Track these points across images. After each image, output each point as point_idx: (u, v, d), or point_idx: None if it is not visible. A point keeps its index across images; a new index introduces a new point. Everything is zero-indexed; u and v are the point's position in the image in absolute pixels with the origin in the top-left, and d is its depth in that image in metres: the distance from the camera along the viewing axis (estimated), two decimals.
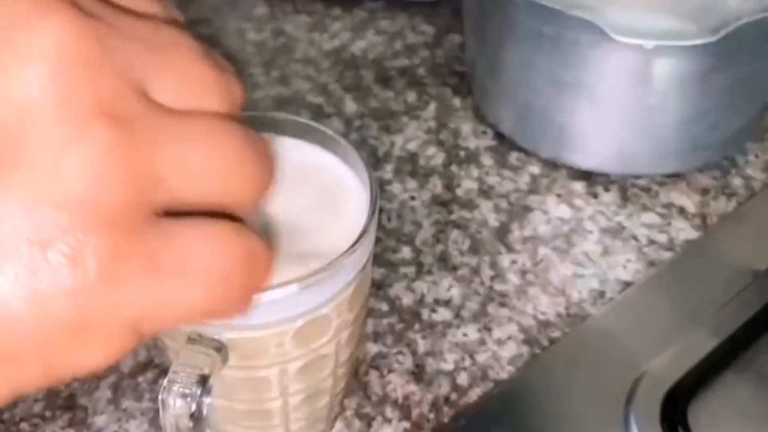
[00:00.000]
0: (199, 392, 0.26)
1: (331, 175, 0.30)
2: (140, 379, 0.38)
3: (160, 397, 0.26)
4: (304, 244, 0.28)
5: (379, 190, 0.28)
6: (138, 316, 0.17)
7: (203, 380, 0.26)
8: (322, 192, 0.30)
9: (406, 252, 0.44)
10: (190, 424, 0.26)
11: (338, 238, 0.28)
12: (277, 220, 0.29)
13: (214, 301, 0.18)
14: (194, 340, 0.27)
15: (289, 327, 0.27)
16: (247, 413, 0.32)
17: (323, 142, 0.31)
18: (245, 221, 0.20)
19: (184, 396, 0.25)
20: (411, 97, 0.55)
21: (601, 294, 0.42)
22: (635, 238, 0.45)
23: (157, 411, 0.37)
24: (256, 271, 0.19)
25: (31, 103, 0.15)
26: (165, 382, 0.26)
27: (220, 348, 0.27)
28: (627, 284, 0.42)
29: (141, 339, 0.18)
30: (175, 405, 0.25)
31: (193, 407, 0.26)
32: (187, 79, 0.18)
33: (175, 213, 0.18)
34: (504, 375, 0.38)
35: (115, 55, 0.16)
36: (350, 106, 0.54)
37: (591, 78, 0.43)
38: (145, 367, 0.38)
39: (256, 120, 0.31)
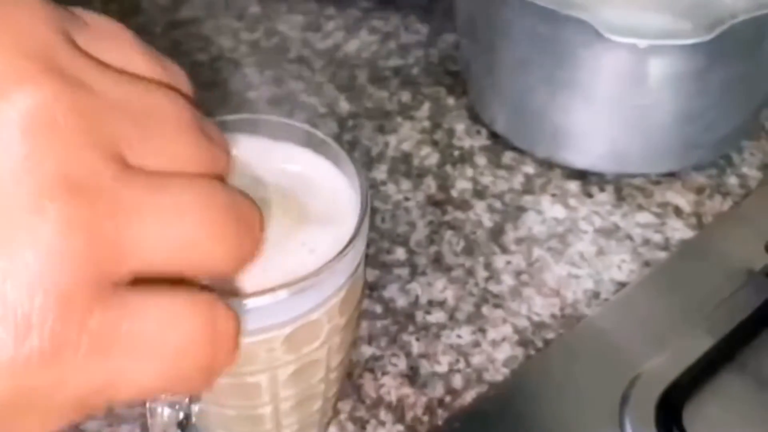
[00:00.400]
0: (187, 400, 0.25)
1: (322, 179, 0.30)
2: None
3: (148, 405, 0.25)
4: (294, 247, 0.28)
5: (370, 194, 0.28)
6: (84, 394, 0.16)
7: None
8: (313, 195, 0.30)
9: (400, 253, 0.44)
10: (179, 431, 0.26)
11: (329, 242, 0.28)
12: (267, 222, 0.29)
13: (170, 378, 0.17)
14: None
15: (280, 333, 0.27)
16: (238, 419, 0.31)
17: (314, 144, 0.30)
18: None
19: (172, 405, 0.25)
20: (405, 96, 0.55)
21: (596, 294, 0.42)
22: (630, 237, 0.45)
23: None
24: (219, 348, 0.18)
25: None
26: None
27: None
28: (622, 284, 0.42)
29: (88, 413, 0.17)
30: (163, 414, 0.25)
31: (182, 415, 0.25)
32: (168, 149, 0.17)
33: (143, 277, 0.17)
34: (498, 377, 0.38)
35: (90, 122, 0.16)
36: (344, 106, 0.54)
37: (585, 77, 0.43)
38: None
39: (245, 123, 0.31)
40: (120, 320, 0.16)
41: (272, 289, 0.26)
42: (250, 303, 0.26)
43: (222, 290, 0.26)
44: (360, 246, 0.28)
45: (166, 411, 0.25)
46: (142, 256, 0.16)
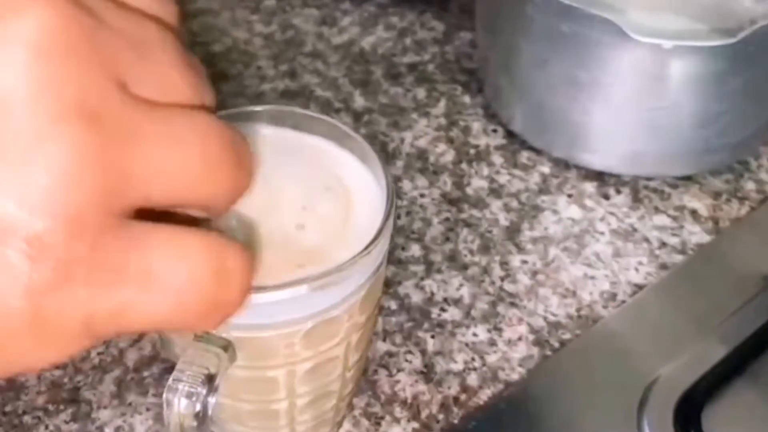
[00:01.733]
0: (204, 392, 0.25)
1: (346, 174, 0.30)
2: (146, 373, 0.38)
3: (164, 395, 0.25)
4: (316, 244, 0.27)
5: (395, 192, 0.28)
6: (95, 317, 0.16)
7: (209, 380, 0.25)
8: (337, 191, 0.29)
9: (415, 250, 0.43)
10: (194, 423, 0.25)
11: (352, 240, 0.27)
12: (289, 218, 0.28)
13: (177, 312, 0.18)
14: (201, 337, 0.26)
15: (299, 328, 0.27)
16: (253, 413, 0.31)
17: (339, 139, 0.30)
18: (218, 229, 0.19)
19: (189, 395, 0.25)
20: (420, 93, 0.54)
21: (613, 296, 0.41)
22: (647, 240, 0.44)
23: (162, 406, 0.36)
24: (227, 285, 0.18)
25: (5, 91, 0.15)
26: (170, 380, 0.25)
27: (228, 347, 0.26)
28: (639, 287, 0.42)
29: (97, 340, 0.17)
30: (180, 404, 0.25)
31: (198, 407, 0.25)
32: (164, 79, 0.18)
33: (147, 215, 0.17)
34: (515, 376, 0.37)
35: (99, 48, 0.16)
36: (359, 101, 0.54)
37: (606, 77, 0.43)
38: (150, 362, 0.38)
39: (272, 114, 0.30)
40: (128, 249, 0.16)
41: (294, 283, 0.26)
42: (271, 296, 0.25)
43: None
44: (384, 244, 0.27)
45: (183, 402, 0.25)
46: (144, 186, 0.16)
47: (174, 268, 0.17)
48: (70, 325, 0.16)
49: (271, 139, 0.30)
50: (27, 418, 0.36)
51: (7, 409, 0.36)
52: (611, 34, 0.40)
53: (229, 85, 0.55)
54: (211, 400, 0.26)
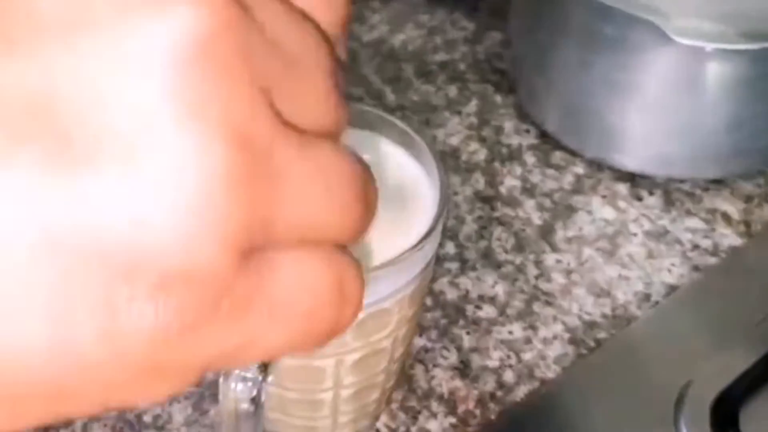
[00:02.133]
0: (260, 378, 0.25)
1: (401, 170, 0.30)
2: None
3: (220, 380, 0.25)
4: (370, 237, 0.28)
5: (448, 185, 0.28)
6: (214, 358, 0.15)
7: (265, 366, 0.26)
8: (391, 186, 0.29)
9: (449, 247, 0.44)
10: (251, 409, 0.25)
11: (405, 234, 0.28)
12: None
13: (298, 339, 0.16)
14: None
15: None
16: (298, 402, 0.31)
17: (393, 135, 0.30)
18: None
19: (245, 380, 0.25)
20: (452, 92, 0.54)
21: (647, 297, 0.41)
22: (679, 242, 0.45)
23: (201, 395, 0.36)
24: (348, 305, 0.17)
25: (149, 104, 0.13)
26: None
27: None
28: (672, 288, 0.42)
29: (214, 372, 0.16)
30: (236, 389, 0.25)
31: (254, 392, 0.25)
32: (308, 103, 0.15)
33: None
34: (550, 374, 0.38)
35: (252, 59, 0.14)
36: (390, 98, 0.54)
37: (645, 80, 0.43)
38: None
39: None
40: (260, 283, 0.15)
41: None
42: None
43: None
44: (436, 239, 0.28)
45: (240, 386, 0.25)
46: (282, 224, 0.15)
47: (300, 294, 0.16)
48: (191, 366, 0.15)
49: None
50: None
51: None
52: (653, 36, 0.40)
53: None
54: (266, 386, 0.26)
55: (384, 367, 0.30)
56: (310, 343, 0.17)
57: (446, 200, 0.27)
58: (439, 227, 0.27)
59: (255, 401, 0.25)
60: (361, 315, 0.27)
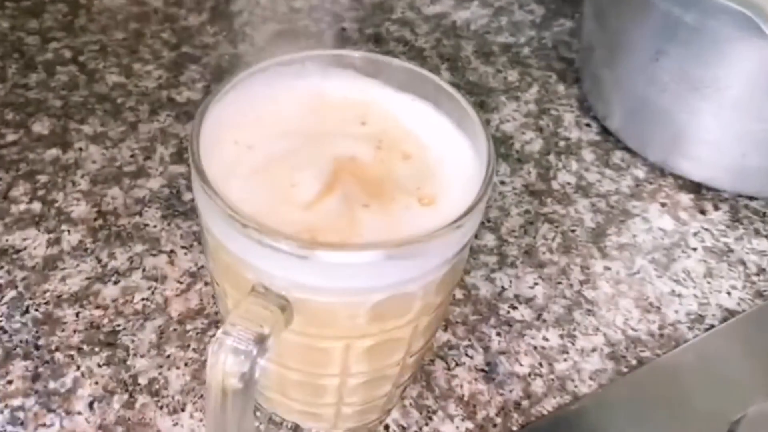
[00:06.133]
0: (255, 351, 0.22)
1: (446, 140, 0.27)
2: (189, 326, 0.35)
3: (209, 348, 0.22)
4: (400, 216, 0.24)
5: (496, 161, 0.24)
6: None
7: (261, 339, 0.22)
8: (433, 157, 0.26)
9: (489, 239, 0.40)
10: (240, 385, 0.22)
11: (440, 210, 0.24)
12: (379, 180, 0.25)
13: None
14: (258, 292, 0.24)
15: (367, 299, 0.24)
16: (299, 385, 0.28)
17: (443, 102, 0.27)
18: None
19: (237, 352, 0.22)
20: (512, 76, 0.51)
21: (700, 318, 0.37)
22: (743, 263, 0.40)
23: (202, 363, 0.34)
24: None
25: None
26: (218, 333, 0.22)
27: (286, 307, 0.24)
28: (730, 312, 0.38)
29: None
30: (225, 361, 0.22)
31: (246, 367, 0.22)
32: None
33: None
34: (584, 389, 0.34)
35: None
36: (444, 76, 0.51)
37: (726, 77, 0.38)
38: (196, 315, 0.35)
39: (363, 61, 0.28)
40: None
41: (370, 247, 0.23)
42: (340, 257, 0.22)
43: (313, 240, 0.23)
44: (476, 220, 0.24)
45: (230, 359, 0.22)
46: None
47: None
48: None
49: (357, 87, 0.27)
50: (59, 356, 0.34)
51: (41, 342, 0.34)
52: (740, 28, 0.36)
53: (309, 42, 0.52)
54: (261, 362, 0.23)
55: (399, 359, 0.27)
56: None
57: (492, 174, 0.24)
58: (481, 206, 0.24)
59: (246, 378, 0.22)
60: (378, 295, 0.24)
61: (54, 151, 0.43)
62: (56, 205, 0.40)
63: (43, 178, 0.41)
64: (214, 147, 0.25)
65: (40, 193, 0.40)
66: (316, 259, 0.22)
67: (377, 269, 0.23)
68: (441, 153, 0.26)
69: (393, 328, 0.25)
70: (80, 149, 0.43)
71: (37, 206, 0.40)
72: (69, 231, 0.39)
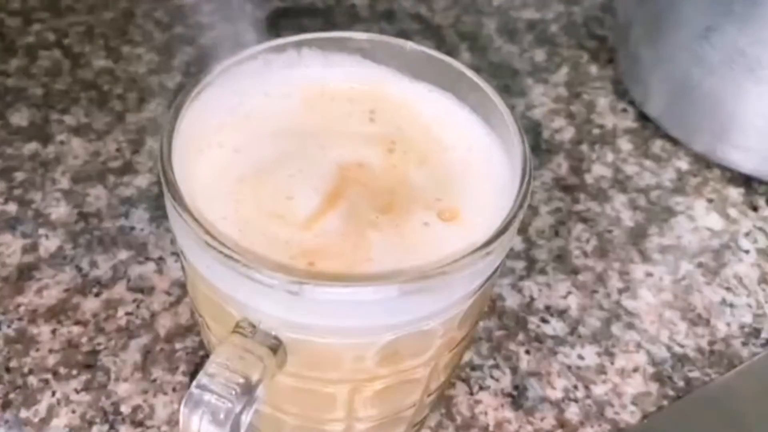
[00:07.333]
0: (238, 408, 0.18)
1: (467, 138, 0.22)
2: (178, 345, 0.31)
3: (182, 407, 0.18)
4: (416, 235, 0.20)
5: (533, 167, 0.20)
6: None
7: (247, 389, 0.19)
8: (450, 159, 0.22)
9: (515, 242, 0.36)
10: None
11: (463, 228, 0.20)
12: (391, 191, 0.21)
13: None
14: (243, 330, 0.19)
15: (375, 339, 0.19)
16: (299, 429, 0.24)
17: (457, 87, 0.23)
18: None
19: (216, 412, 0.18)
20: (539, 56, 0.46)
21: (756, 332, 0.33)
22: None
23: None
24: None
25: None
26: (192, 387, 0.18)
27: (277, 348, 0.20)
28: None
29: None
30: (201, 423, 0.18)
31: (227, 429, 0.18)
32: None
33: None
34: (625, 416, 0.30)
35: None
36: (464, 56, 0.46)
37: None
38: (186, 332, 0.32)
39: (371, 45, 0.23)
40: None
41: (379, 279, 0.19)
42: (343, 293, 0.18)
43: (308, 272, 0.19)
44: (509, 241, 0.20)
45: (206, 420, 0.18)
46: None
47: None
48: None
49: (367, 77, 0.23)
50: (33, 380, 0.30)
51: (12, 365, 0.30)
52: None
53: (314, 21, 0.48)
54: (246, 418, 0.19)
55: (415, 400, 0.23)
56: None
57: (528, 185, 0.20)
58: (516, 224, 0.20)
59: None
60: (389, 335, 0.20)
61: (33, 145, 0.39)
62: (33, 206, 0.36)
63: (20, 176, 0.37)
64: (191, 153, 0.21)
65: (17, 192, 0.36)
66: (312, 295, 0.18)
67: (388, 306, 0.19)
68: (465, 156, 0.22)
69: (408, 369, 0.21)
70: (61, 142, 0.39)
71: (12, 207, 0.36)
72: (47, 236, 0.35)
